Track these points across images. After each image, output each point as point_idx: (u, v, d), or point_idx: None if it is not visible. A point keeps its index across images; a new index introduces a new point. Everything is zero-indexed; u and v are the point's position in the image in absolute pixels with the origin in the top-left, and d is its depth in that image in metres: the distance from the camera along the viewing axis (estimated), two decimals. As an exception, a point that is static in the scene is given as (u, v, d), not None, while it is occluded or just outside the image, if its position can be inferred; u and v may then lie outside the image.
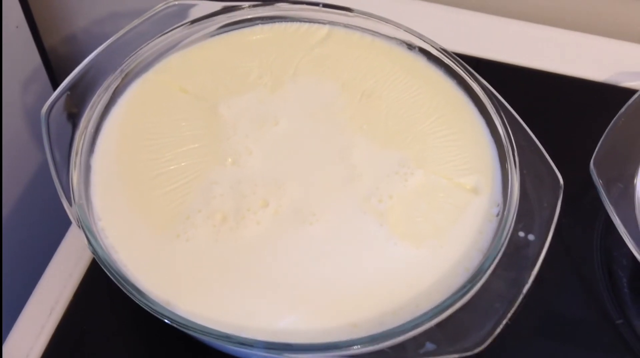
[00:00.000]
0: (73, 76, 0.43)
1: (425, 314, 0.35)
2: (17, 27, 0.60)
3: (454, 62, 0.45)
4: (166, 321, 0.35)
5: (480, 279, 0.36)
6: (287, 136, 0.43)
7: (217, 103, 0.44)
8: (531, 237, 0.39)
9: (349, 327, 0.35)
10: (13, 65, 0.60)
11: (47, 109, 0.41)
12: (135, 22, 0.45)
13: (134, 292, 0.35)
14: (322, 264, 0.38)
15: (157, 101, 0.44)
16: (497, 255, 0.37)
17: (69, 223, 0.44)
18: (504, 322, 0.35)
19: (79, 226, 0.37)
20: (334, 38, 0.48)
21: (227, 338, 0.34)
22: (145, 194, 0.40)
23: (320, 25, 0.48)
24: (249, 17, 0.48)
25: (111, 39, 0.44)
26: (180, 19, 0.47)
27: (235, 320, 0.36)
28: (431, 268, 0.38)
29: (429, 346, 0.35)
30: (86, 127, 0.42)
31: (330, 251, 0.38)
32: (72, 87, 0.42)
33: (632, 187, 0.45)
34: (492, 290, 0.37)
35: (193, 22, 0.46)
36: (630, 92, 0.48)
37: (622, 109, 0.47)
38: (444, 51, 0.45)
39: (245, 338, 0.34)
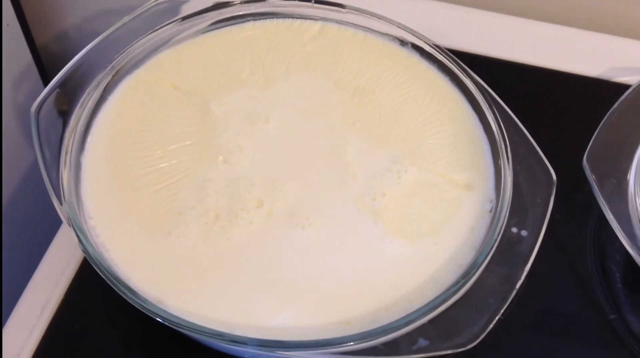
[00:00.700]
0: (63, 73, 0.42)
1: (418, 310, 0.35)
2: (7, 24, 0.59)
3: (446, 59, 0.45)
4: (159, 320, 0.34)
5: (473, 275, 0.36)
6: (279, 133, 0.43)
7: (209, 100, 0.44)
8: (524, 233, 0.39)
9: (341, 324, 0.35)
10: (4, 63, 0.59)
11: (36, 107, 0.41)
12: (126, 18, 0.45)
13: (126, 291, 0.35)
14: (315, 262, 0.37)
15: (148, 98, 0.44)
16: (490, 251, 0.37)
17: (60, 221, 0.43)
18: (497, 317, 0.35)
19: (69, 225, 0.37)
20: (327, 34, 0.47)
21: (220, 336, 0.34)
22: (136, 192, 0.40)
23: (313, 21, 0.48)
24: (240, 13, 0.47)
25: (102, 35, 0.44)
26: (172, 16, 0.46)
27: (227, 318, 0.36)
28: (424, 265, 0.37)
29: (422, 342, 0.35)
30: (76, 125, 0.41)
31: (323, 249, 0.38)
32: (62, 84, 0.42)
33: (625, 182, 0.45)
34: (485, 286, 0.37)
35: (184, 18, 0.46)
36: (624, 87, 0.48)
37: (615, 105, 0.47)
38: (437, 47, 0.45)
39: (238, 336, 0.34)
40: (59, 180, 0.39)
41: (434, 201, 0.40)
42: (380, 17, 0.46)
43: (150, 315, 0.35)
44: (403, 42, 0.47)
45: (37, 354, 0.42)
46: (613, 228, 0.42)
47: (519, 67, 0.55)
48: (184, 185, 0.40)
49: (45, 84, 0.66)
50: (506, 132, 0.42)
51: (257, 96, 0.44)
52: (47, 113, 0.41)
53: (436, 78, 0.46)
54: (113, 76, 0.44)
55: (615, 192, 0.44)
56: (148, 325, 0.39)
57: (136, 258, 0.38)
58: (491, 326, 0.35)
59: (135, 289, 0.35)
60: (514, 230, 0.39)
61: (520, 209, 0.39)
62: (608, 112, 0.47)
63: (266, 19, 0.48)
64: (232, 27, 0.48)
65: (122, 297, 0.35)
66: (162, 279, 0.37)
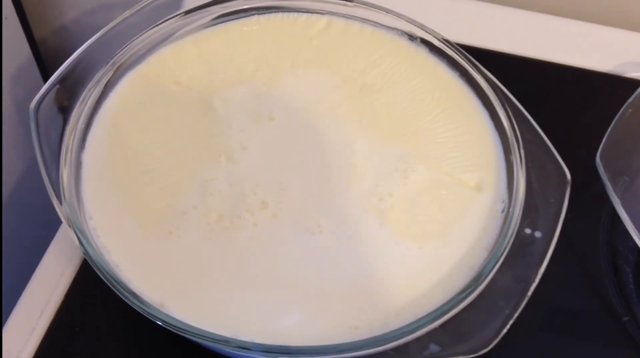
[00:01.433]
0: (63, 69, 0.41)
1: (428, 315, 0.34)
2: (6, 18, 0.58)
3: (456, 54, 0.44)
4: (161, 324, 0.33)
5: (485, 278, 0.35)
6: (283, 131, 0.42)
7: (212, 97, 0.43)
8: (538, 234, 0.38)
9: (350, 329, 0.34)
10: (2, 57, 0.58)
11: (35, 104, 0.40)
12: (127, 13, 0.44)
13: (128, 295, 0.34)
14: (321, 265, 0.37)
15: (149, 95, 0.43)
16: (502, 253, 0.36)
17: (59, 220, 0.42)
18: (511, 322, 0.34)
19: (69, 226, 0.36)
20: (333, 29, 0.46)
21: (226, 342, 0.33)
22: (137, 191, 0.39)
23: (319, 15, 0.47)
24: (244, 7, 0.46)
25: (102, 30, 0.43)
26: (173, 10, 0.45)
27: (231, 322, 0.35)
28: (434, 267, 0.37)
29: (433, 348, 0.34)
30: (77, 122, 0.40)
31: (329, 251, 0.37)
32: (62, 80, 0.41)
33: (639, 180, 0.44)
34: (498, 289, 0.36)
35: (187, 13, 0.45)
36: (637, 83, 0.47)
37: (629, 100, 0.46)
38: (447, 42, 0.44)
39: (244, 342, 0.33)
40: (58, 179, 0.38)
41: (442, 201, 0.39)
42: (388, 11, 0.45)
43: (153, 320, 0.34)
44: (412, 37, 0.46)
45: (36, 356, 0.41)
46: (626, 226, 0.41)
47: (529, 62, 0.54)
48: (186, 184, 0.39)
49: (45, 78, 0.65)
50: (518, 129, 0.40)
51: (262, 93, 0.43)
52: (47, 110, 0.40)
53: (445, 74, 0.44)
54: (114, 71, 0.43)
55: (628, 190, 0.44)
56: (149, 327, 0.38)
57: (137, 259, 0.37)
58: (504, 331, 0.34)
59: (137, 292, 0.34)
60: (527, 230, 0.38)
61: (532, 210, 0.38)
62: (621, 109, 0.46)
63: (271, 13, 0.47)
64: (236, 21, 0.46)
65: (123, 300, 0.34)
66: (163, 281, 0.36)
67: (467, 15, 0.57)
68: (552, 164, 0.40)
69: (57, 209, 0.37)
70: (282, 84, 0.44)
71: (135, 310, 0.34)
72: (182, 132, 0.41)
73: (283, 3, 0.47)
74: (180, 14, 0.45)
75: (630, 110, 0.46)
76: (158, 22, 0.44)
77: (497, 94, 0.42)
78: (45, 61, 0.66)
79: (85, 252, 0.35)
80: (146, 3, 0.45)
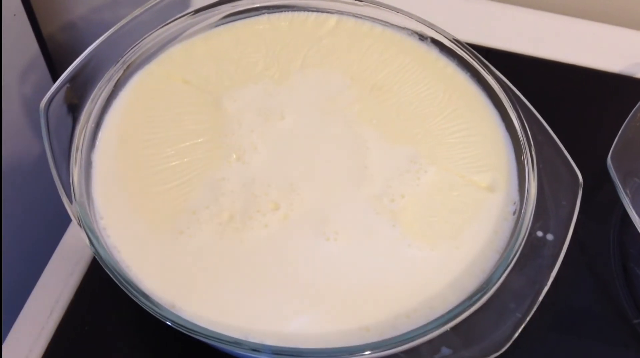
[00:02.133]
0: (73, 67, 0.41)
1: (439, 318, 0.34)
2: (14, 15, 0.58)
3: (467, 54, 0.44)
4: (172, 325, 0.33)
5: (496, 282, 0.35)
6: (294, 131, 0.42)
7: (222, 96, 0.43)
8: (550, 237, 0.37)
9: (361, 330, 0.34)
10: (11, 54, 0.58)
11: (46, 103, 0.39)
12: (137, 11, 0.44)
13: (139, 296, 0.33)
14: (332, 266, 0.36)
15: (159, 94, 0.43)
16: (514, 256, 0.35)
17: (69, 218, 0.42)
18: (523, 325, 0.34)
19: (80, 226, 0.36)
20: (343, 28, 0.46)
21: (236, 344, 0.32)
22: (147, 191, 0.39)
23: (329, 14, 0.46)
24: (254, 6, 0.46)
25: (112, 29, 0.43)
26: (183, 9, 0.45)
27: (241, 323, 0.35)
28: (446, 269, 0.36)
29: (445, 351, 0.34)
30: (87, 121, 0.40)
31: (341, 253, 0.37)
32: (72, 79, 0.41)
33: (650, 182, 0.44)
34: (509, 291, 0.36)
35: (196, 11, 0.45)
36: (649, 84, 0.47)
37: (641, 102, 0.46)
38: (457, 42, 0.44)
39: (254, 344, 0.33)
40: (69, 178, 0.38)
41: (454, 202, 0.39)
42: (398, 11, 0.45)
43: (163, 320, 0.33)
44: (422, 37, 0.45)
45: (45, 356, 0.41)
46: (637, 228, 0.41)
47: (539, 62, 0.54)
48: (197, 184, 0.39)
49: (53, 75, 0.65)
50: (529, 130, 0.40)
51: (272, 92, 0.43)
52: (57, 109, 0.40)
53: (456, 74, 0.44)
54: (124, 70, 0.43)
55: (639, 192, 0.43)
56: (158, 326, 0.38)
57: (148, 259, 0.37)
58: (516, 334, 0.34)
59: (148, 293, 0.34)
60: (539, 233, 0.37)
61: (544, 212, 0.38)
62: (633, 110, 0.45)
63: (281, 12, 0.46)
64: (246, 20, 0.46)
65: (134, 300, 0.34)
66: (174, 282, 0.36)
67: (477, 15, 0.56)
68: (564, 166, 0.40)
69: (68, 209, 0.37)
70: (292, 84, 0.43)
71: (144, 309, 0.34)
72: (192, 132, 0.41)
73: (293, 2, 0.46)
74: (189, 12, 0.45)
75: (642, 111, 0.45)
76: (168, 21, 0.44)
77: (508, 95, 0.42)
78: (53, 58, 0.66)
79: (96, 252, 0.35)
80: (156, 2, 0.45)
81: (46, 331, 0.41)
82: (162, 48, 0.44)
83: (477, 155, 0.41)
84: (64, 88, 0.40)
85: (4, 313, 0.50)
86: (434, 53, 0.45)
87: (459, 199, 0.39)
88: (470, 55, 0.44)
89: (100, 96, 0.41)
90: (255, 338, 0.34)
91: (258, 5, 0.46)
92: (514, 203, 0.39)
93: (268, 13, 0.46)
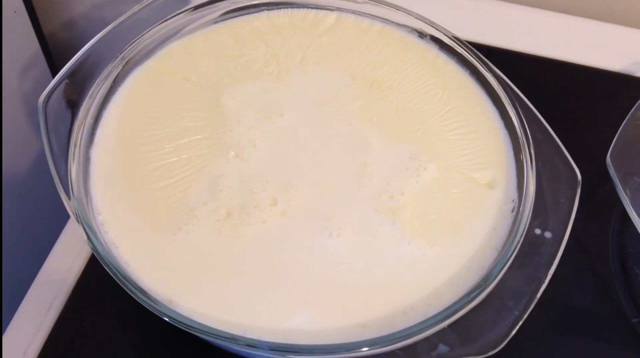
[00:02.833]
0: (71, 63, 0.41)
1: (436, 316, 0.34)
2: (14, 12, 0.58)
3: (467, 51, 0.44)
4: (169, 321, 0.33)
5: (494, 279, 0.35)
6: (293, 128, 0.41)
7: (221, 93, 0.43)
8: (548, 235, 0.37)
9: (358, 327, 0.34)
10: (11, 51, 0.58)
11: (44, 99, 0.39)
12: (137, 7, 0.44)
13: (136, 292, 0.33)
14: (330, 263, 0.36)
15: (158, 90, 0.43)
16: (512, 253, 0.35)
17: (67, 215, 0.42)
18: (520, 323, 0.34)
19: (78, 222, 0.36)
20: (343, 25, 0.46)
21: (234, 340, 0.32)
22: (146, 187, 0.39)
23: (329, 11, 0.46)
24: (254, 2, 0.46)
25: (111, 25, 0.43)
26: (182, 5, 0.45)
27: (239, 319, 0.35)
28: (444, 266, 0.36)
29: (442, 348, 0.34)
30: (85, 117, 0.40)
31: (339, 250, 0.37)
32: (70, 75, 0.41)
33: (650, 181, 0.44)
34: (507, 289, 0.36)
35: (196, 8, 0.45)
36: (649, 82, 0.47)
37: (641, 100, 0.45)
38: (457, 39, 0.44)
39: (252, 340, 0.33)
40: (67, 174, 0.38)
41: (454, 200, 0.39)
42: (398, 8, 0.45)
43: (161, 316, 0.33)
44: (422, 34, 0.45)
45: (43, 352, 0.41)
46: (637, 227, 0.41)
47: (539, 61, 0.54)
48: (195, 180, 0.39)
49: (53, 73, 0.65)
50: (528, 128, 0.40)
51: (271, 89, 0.43)
52: (56, 104, 0.40)
53: (456, 72, 0.44)
54: (123, 66, 0.43)
55: (638, 191, 0.43)
56: (156, 322, 0.38)
57: (146, 255, 0.37)
58: (514, 332, 0.34)
59: (145, 289, 0.34)
60: (537, 231, 0.37)
61: (543, 210, 0.38)
62: (632, 108, 0.45)
63: (280, 8, 0.46)
64: (245, 17, 0.46)
65: (131, 296, 0.34)
66: (172, 278, 0.36)
67: (477, 13, 0.56)
68: (563, 164, 0.40)
69: (66, 205, 0.37)
70: (292, 81, 0.43)
71: (142, 305, 0.34)
72: (191, 129, 0.41)
73: (293, -1, 0.46)
74: (189, 9, 0.45)
75: (641, 110, 0.45)
76: (167, 17, 0.44)
77: (507, 93, 0.42)
78: (53, 56, 0.66)
79: (94, 248, 0.35)
80: (155, -3, 0.45)
81: (44, 327, 0.41)
82: (161, 44, 0.44)
83: (477, 152, 0.41)
84: (63, 84, 0.40)
85: (3, 309, 0.50)
86: (433, 50, 0.45)
87: (458, 196, 0.39)
88: (470, 52, 0.43)
89: (99, 92, 0.41)
90: (252, 334, 0.33)
91: (257, 2, 0.46)
92: (513, 201, 0.38)
93: (267, 10, 0.46)
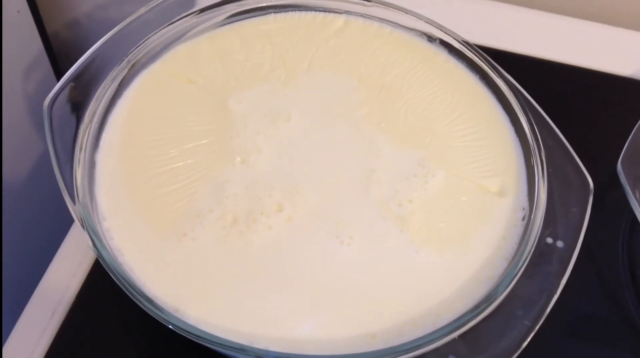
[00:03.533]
0: (77, 66, 0.41)
1: (446, 326, 0.33)
2: (18, 11, 0.58)
3: (476, 56, 0.43)
4: (176, 330, 0.33)
5: (505, 289, 0.34)
6: (300, 133, 0.41)
7: (227, 97, 0.42)
8: (560, 244, 0.37)
9: (367, 337, 0.34)
10: (14, 51, 0.58)
11: (49, 101, 0.39)
12: (142, 10, 0.43)
13: (142, 300, 0.33)
14: (338, 271, 0.36)
15: (164, 94, 0.42)
16: (523, 263, 0.35)
17: (71, 219, 0.42)
18: (532, 334, 0.34)
19: (82, 227, 0.35)
20: (351, 29, 0.45)
21: (241, 350, 0.32)
22: (151, 193, 0.38)
23: (337, 15, 0.46)
24: (261, 5, 0.46)
25: (116, 27, 0.42)
26: (188, 8, 0.45)
27: (246, 328, 0.34)
28: (453, 275, 0.36)
29: (452, 359, 0.33)
30: (91, 121, 0.40)
31: (347, 258, 0.36)
32: (76, 77, 0.40)
33: (660, 188, 0.43)
34: (517, 299, 0.36)
35: (202, 10, 0.44)
36: (660, 88, 0.46)
37: (652, 107, 0.45)
38: (466, 44, 0.43)
39: (259, 350, 0.32)
40: (72, 178, 0.37)
41: (463, 208, 0.38)
42: (407, 12, 0.45)
43: (166, 325, 0.33)
44: (431, 38, 0.45)
45: (47, 357, 0.40)
46: (647, 235, 0.40)
47: (548, 65, 0.53)
48: (201, 186, 0.39)
49: (57, 73, 0.65)
50: (539, 134, 0.40)
51: (278, 93, 0.43)
52: (61, 107, 0.39)
53: (465, 76, 0.44)
54: (129, 69, 0.42)
55: (649, 198, 0.43)
56: (161, 329, 0.37)
57: (151, 262, 0.36)
58: (525, 343, 0.34)
59: (151, 297, 0.34)
60: (549, 240, 0.37)
61: (554, 218, 0.38)
62: (643, 114, 0.45)
63: (288, 11, 0.46)
64: (252, 19, 0.46)
65: (137, 303, 0.33)
66: (178, 285, 0.36)
67: (487, 17, 0.56)
68: (574, 172, 0.39)
69: (71, 209, 0.36)
70: (299, 85, 0.43)
71: (147, 313, 0.33)
72: (197, 133, 0.41)
73: (300, 1, 0.46)
74: (195, 11, 0.44)
75: (653, 116, 0.45)
76: (173, 20, 0.44)
77: (517, 98, 0.41)
78: (57, 55, 0.65)
79: (99, 254, 0.35)
80: (161, 0, 0.44)
81: (48, 333, 0.41)
82: (167, 47, 0.44)
83: (486, 159, 0.40)
84: (68, 87, 0.40)
85: (6, 315, 0.50)
86: (442, 55, 0.44)
87: (467, 204, 0.38)
88: (480, 57, 0.43)
89: (104, 95, 0.41)
90: (260, 344, 0.33)
91: (264, 4, 0.46)
92: (524, 209, 0.38)
93: (274, 12, 0.46)
